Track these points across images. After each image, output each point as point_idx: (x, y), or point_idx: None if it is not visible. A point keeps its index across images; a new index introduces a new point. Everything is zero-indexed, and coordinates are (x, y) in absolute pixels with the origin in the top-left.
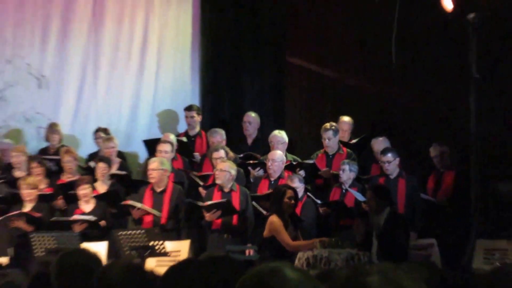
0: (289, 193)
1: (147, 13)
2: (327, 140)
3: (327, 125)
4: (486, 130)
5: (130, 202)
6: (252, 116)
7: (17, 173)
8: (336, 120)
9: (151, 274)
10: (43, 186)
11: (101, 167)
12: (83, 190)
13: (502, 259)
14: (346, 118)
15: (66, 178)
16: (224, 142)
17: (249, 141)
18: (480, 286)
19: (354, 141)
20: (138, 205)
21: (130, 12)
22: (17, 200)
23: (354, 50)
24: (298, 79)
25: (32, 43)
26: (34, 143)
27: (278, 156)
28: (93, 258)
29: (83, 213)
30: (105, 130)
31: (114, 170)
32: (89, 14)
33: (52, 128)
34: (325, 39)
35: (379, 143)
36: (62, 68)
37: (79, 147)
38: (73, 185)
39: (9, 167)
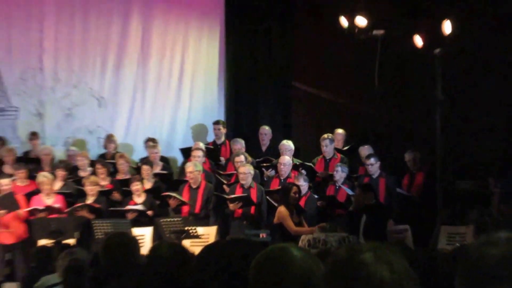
0: (294, 189)
1: (184, 48)
2: (324, 147)
3: (325, 135)
4: (448, 139)
5: (166, 193)
6: (266, 129)
7: (82, 173)
8: (332, 132)
9: (189, 252)
10: (106, 183)
11: (145, 169)
12: (135, 186)
13: (461, 241)
14: (339, 130)
15: (120, 177)
16: (243, 149)
17: (264, 148)
18: (444, 264)
19: (345, 148)
20: (172, 194)
21: (171, 48)
22: (82, 194)
23: (345, 78)
24: (302, 100)
25: (93, 71)
26: (95, 150)
27: (286, 161)
28: (131, 239)
29: (135, 204)
30: (153, 140)
31: (158, 170)
32: (139, 49)
33: (109, 138)
34: (322, 69)
35: (365, 150)
36: (117, 91)
37: (132, 153)
38: (127, 182)
39: (75, 169)
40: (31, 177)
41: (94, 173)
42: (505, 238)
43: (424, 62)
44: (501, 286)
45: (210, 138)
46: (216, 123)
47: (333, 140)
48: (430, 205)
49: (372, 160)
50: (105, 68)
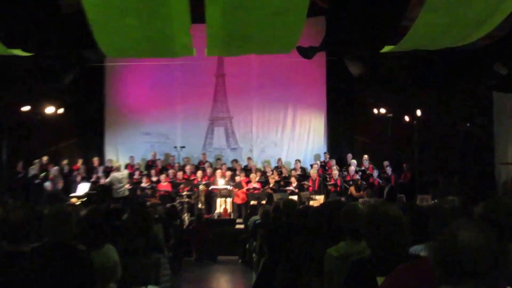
0: (358, 180)
1: (310, 121)
2: (364, 162)
3: (364, 157)
4: (421, 159)
5: (303, 182)
6: (350, 155)
7: (268, 174)
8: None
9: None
10: (278, 178)
11: (293, 172)
12: (292, 179)
13: (425, 201)
14: (366, 156)
15: (284, 175)
16: (335, 163)
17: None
18: (421, 213)
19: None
20: (305, 182)
21: (305, 121)
22: (267, 182)
23: (374, 133)
24: (358, 143)
25: (272, 132)
26: (273, 164)
27: (353, 168)
28: (293, 201)
29: (292, 187)
30: (298, 160)
31: (298, 173)
32: (291, 122)
33: (280, 160)
34: (366, 130)
35: (385, 163)
36: (282, 140)
37: (289, 166)
38: (288, 178)
39: (265, 172)
40: (247, 175)
41: (272, 174)
42: (449, 200)
43: (409, 128)
44: (450, 223)
45: (321, 159)
46: (324, 152)
47: (368, 160)
48: (413, 187)
49: (388, 167)
50: (277, 131)
